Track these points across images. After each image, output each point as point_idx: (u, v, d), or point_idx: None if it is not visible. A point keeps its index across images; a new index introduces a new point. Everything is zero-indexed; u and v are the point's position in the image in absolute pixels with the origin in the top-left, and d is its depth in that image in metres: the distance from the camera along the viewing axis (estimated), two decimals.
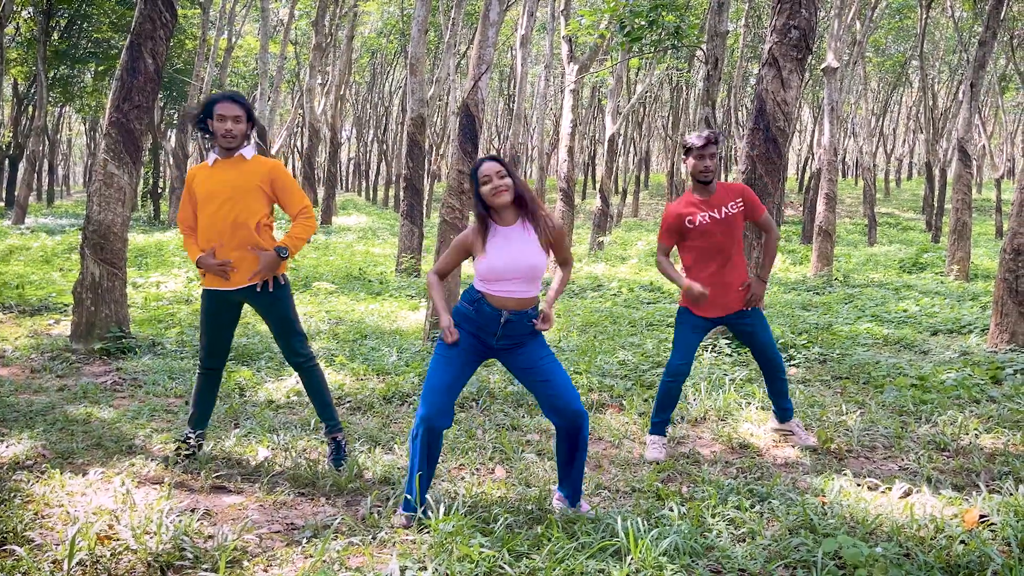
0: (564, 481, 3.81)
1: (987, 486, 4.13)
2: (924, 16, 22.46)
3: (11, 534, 3.28)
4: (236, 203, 4.17)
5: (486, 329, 3.67)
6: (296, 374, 4.64)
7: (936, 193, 26.36)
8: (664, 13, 11.72)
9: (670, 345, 7.75)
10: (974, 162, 19.56)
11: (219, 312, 4.34)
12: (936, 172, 27.11)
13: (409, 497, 3.60)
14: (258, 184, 4.20)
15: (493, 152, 36.65)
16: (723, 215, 4.63)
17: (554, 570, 3.06)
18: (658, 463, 4.59)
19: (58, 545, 3.22)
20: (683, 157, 4.75)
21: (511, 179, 3.62)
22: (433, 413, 3.57)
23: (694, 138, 4.63)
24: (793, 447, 4.91)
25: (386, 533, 3.47)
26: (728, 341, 7.54)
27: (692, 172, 4.68)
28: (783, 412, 4.99)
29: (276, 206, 4.39)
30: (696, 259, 4.69)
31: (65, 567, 3.00)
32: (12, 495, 3.69)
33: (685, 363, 4.76)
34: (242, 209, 4.18)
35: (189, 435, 4.43)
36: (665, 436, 4.86)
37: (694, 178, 4.70)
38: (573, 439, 3.69)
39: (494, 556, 3.13)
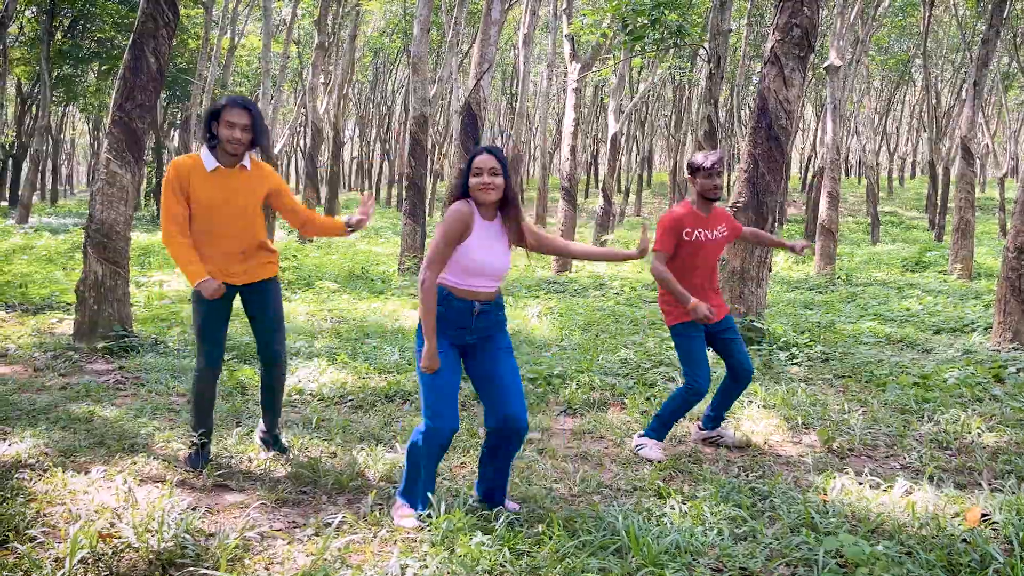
0: (483, 481, 3.79)
1: (989, 485, 4.13)
2: (927, 14, 22.42)
3: (13, 532, 3.29)
4: (251, 215, 4.21)
5: (459, 324, 3.57)
6: (281, 371, 4.55)
7: (939, 192, 26.32)
8: (666, 12, 11.73)
9: (672, 343, 7.75)
10: (977, 160, 19.55)
11: (221, 307, 4.27)
12: (939, 171, 27.06)
13: (429, 496, 3.60)
14: (261, 198, 4.27)
15: None
16: (714, 236, 4.71)
17: (555, 568, 3.06)
18: (660, 462, 4.58)
19: (60, 543, 3.23)
20: (689, 175, 4.72)
21: (503, 179, 3.53)
22: (447, 432, 3.53)
23: (702, 158, 4.66)
24: (792, 445, 4.90)
25: (387, 531, 3.47)
26: None
27: (702, 191, 4.68)
28: (721, 420, 4.97)
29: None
30: (680, 270, 4.65)
31: (67, 565, 3.00)
32: (15, 493, 3.70)
33: (708, 378, 4.70)
34: (256, 219, 4.26)
35: (203, 439, 4.39)
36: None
37: (703, 196, 4.69)
38: (505, 447, 3.66)
39: (495, 554, 3.14)
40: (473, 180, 3.52)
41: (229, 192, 4.12)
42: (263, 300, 4.36)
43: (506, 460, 3.73)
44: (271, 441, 4.58)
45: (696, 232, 4.64)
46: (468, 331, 3.61)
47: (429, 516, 3.48)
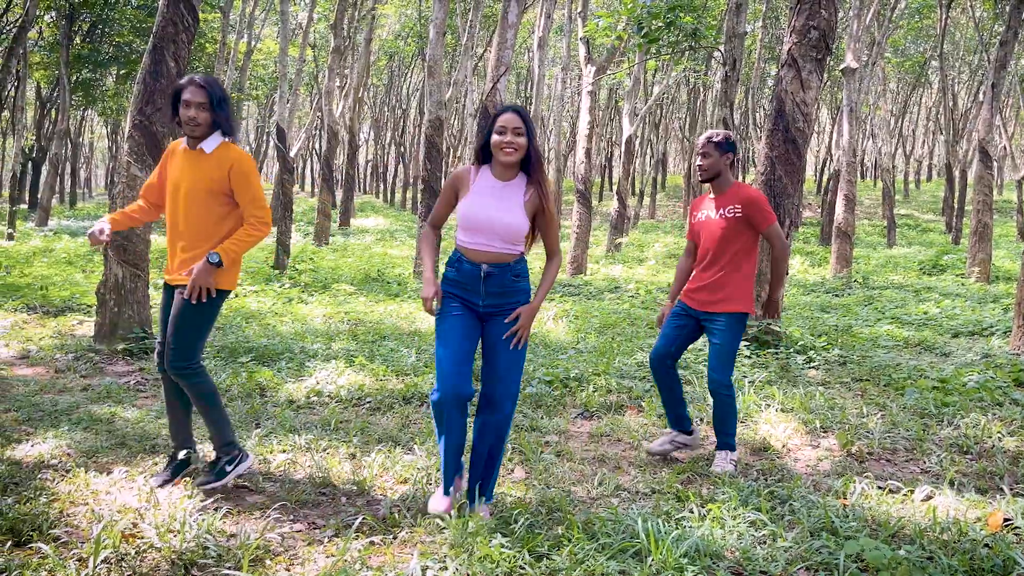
0: (469, 470, 3.77)
1: (1011, 489, 4.10)
2: (944, 16, 22.28)
3: (37, 532, 3.33)
4: (191, 202, 3.90)
5: (471, 289, 3.59)
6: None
7: (956, 194, 26.13)
8: (681, 14, 11.71)
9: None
10: (995, 163, 19.39)
11: (166, 304, 4.05)
12: (956, 173, 26.86)
13: (456, 479, 3.69)
14: (210, 185, 3.89)
15: None
16: (718, 216, 4.61)
17: (574, 570, 3.07)
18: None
19: (84, 543, 3.26)
20: None
21: (527, 140, 3.51)
22: (447, 386, 3.49)
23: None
24: (811, 449, 4.89)
25: (407, 533, 3.49)
26: (747, 343, 7.51)
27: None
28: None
29: None
30: (697, 252, 4.77)
31: (90, 565, 3.03)
32: (38, 494, 3.74)
33: (655, 349, 4.85)
34: (201, 210, 3.91)
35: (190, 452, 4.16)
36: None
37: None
38: (485, 431, 3.64)
39: (515, 556, 3.14)
40: (495, 138, 3.51)
41: (181, 175, 3.94)
42: (171, 303, 3.97)
43: (484, 446, 3.64)
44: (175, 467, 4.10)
45: (699, 213, 4.77)
46: (480, 295, 3.59)
47: (471, 505, 3.54)
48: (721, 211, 4.61)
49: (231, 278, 3.98)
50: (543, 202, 3.59)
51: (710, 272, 4.62)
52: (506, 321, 3.60)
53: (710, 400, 5.72)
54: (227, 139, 4.00)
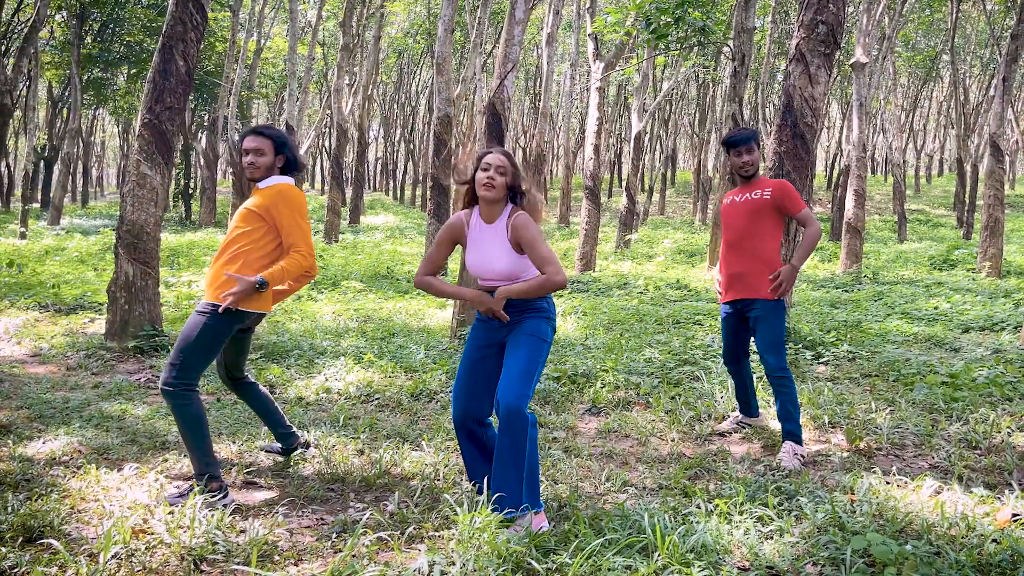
0: (491, 481, 3.56)
1: (1020, 484, 4.09)
2: (955, 9, 22.14)
3: (48, 528, 3.36)
4: (231, 234, 4.01)
5: (487, 321, 3.73)
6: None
7: (967, 189, 25.97)
8: (690, 10, 11.67)
9: (696, 342, 7.74)
10: (1007, 157, 19.28)
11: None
12: (968, 168, 26.69)
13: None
14: (255, 213, 3.98)
15: (520, 148, 36.56)
16: (743, 200, 4.89)
17: (582, 566, 3.07)
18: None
19: (94, 539, 3.29)
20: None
21: (509, 179, 3.61)
22: (454, 410, 3.75)
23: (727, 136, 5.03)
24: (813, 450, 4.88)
25: (414, 529, 3.51)
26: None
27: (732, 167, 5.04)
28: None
29: None
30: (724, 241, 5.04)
31: (101, 560, 3.06)
32: (49, 490, 3.78)
33: (725, 355, 5.23)
34: (233, 242, 3.98)
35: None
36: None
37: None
38: (500, 435, 3.48)
39: (522, 552, 3.15)
40: (478, 175, 3.64)
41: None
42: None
43: (498, 448, 3.50)
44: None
45: (727, 200, 5.04)
46: (495, 328, 3.71)
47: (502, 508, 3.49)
48: (749, 195, 4.88)
49: (255, 303, 3.96)
50: (517, 230, 3.58)
51: (739, 258, 4.86)
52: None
53: (720, 396, 5.74)
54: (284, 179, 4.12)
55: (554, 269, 3.51)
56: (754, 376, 5.47)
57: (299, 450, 4.49)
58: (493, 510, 3.38)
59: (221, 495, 3.75)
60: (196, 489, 3.67)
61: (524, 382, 3.49)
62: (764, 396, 5.75)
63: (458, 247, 3.95)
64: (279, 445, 4.51)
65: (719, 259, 5.10)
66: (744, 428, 5.20)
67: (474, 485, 3.80)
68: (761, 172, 5.47)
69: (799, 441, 4.66)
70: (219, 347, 3.95)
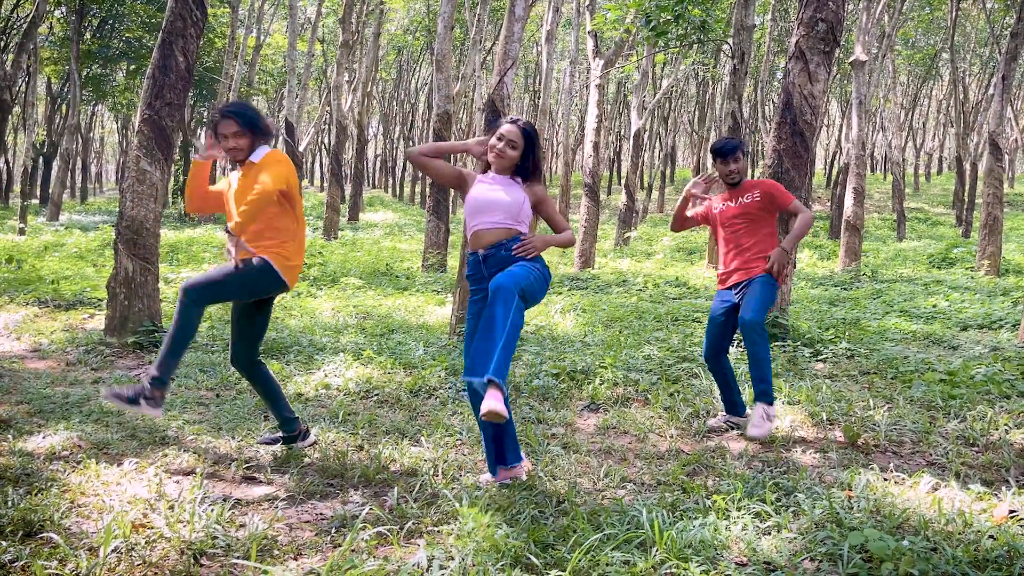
0: (488, 456, 4.04)
1: (1017, 481, 4.10)
2: (955, 8, 22.14)
3: (48, 522, 3.36)
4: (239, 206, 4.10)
5: (477, 275, 3.90)
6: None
7: (967, 188, 26.01)
8: (690, 7, 11.67)
9: (696, 340, 7.76)
10: (1006, 156, 19.29)
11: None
12: (967, 166, 26.72)
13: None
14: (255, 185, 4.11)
15: None
16: (736, 204, 5.06)
17: (580, 561, 3.09)
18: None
19: (94, 533, 3.30)
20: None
21: (517, 154, 3.86)
22: (467, 367, 3.72)
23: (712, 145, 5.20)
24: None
25: (413, 523, 3.52)
26: None
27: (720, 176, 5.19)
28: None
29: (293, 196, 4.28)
30: (721, 243, 5.20)
31: (101, 554, 3.06)
32: (49, 485, 3.78)
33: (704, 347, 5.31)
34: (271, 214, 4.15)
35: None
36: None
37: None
38: (492, 306, 3.56)
39: (520, 547, 3.17)
40: (492, 141, 3.90)
41: (241, 186, 4.26)
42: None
43: (485, 316, 3.57)
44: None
45: (719, 205, 5.19)
46: (485, 279, 3.84)
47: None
48: (740, 199, 5.04)
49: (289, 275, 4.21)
50: (538, 205, 3.96)
51: (738, 257, 5.03)
52: (514, 248, 3.81)
53: (718, 392, 5.75)
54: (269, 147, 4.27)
55: (571, 231, 4.10)
56: (735, 372, 5.51)
57: (300, 439, 4.52)
58: (466, 373, 3.61)
59: (152, 403, 3.95)
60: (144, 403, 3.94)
61: (518, 276, 3.65)
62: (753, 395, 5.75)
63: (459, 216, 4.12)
64: (279, 435, 4.55)
65: (719, 260, 5.24)
66: (733, 428, 5.20)
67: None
68: (759, 173, 5.58)
69: (771, 402, 4.83)
70: (238, 295, 4.17)
